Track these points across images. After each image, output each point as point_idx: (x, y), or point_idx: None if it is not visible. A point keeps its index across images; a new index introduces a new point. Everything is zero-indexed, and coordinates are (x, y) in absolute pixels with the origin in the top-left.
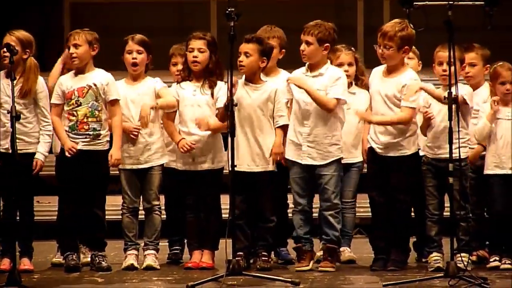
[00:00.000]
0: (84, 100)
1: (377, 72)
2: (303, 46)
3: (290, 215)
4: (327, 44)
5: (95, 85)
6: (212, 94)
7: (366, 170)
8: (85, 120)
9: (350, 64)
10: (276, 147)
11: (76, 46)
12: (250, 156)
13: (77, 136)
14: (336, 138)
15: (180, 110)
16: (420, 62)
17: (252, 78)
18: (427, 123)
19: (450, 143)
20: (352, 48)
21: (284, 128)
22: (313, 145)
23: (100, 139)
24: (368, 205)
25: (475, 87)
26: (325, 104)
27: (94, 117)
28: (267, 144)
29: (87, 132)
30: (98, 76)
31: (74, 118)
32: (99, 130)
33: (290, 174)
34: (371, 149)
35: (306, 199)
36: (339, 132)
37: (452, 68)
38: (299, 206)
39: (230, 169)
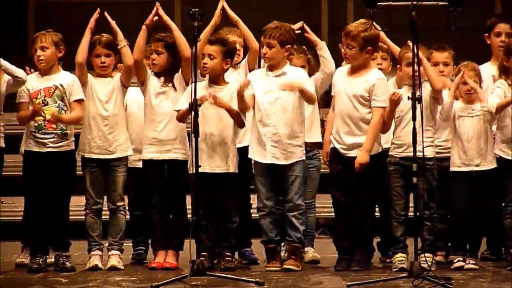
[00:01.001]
0: (51, 99)
1: (341, 72)
2: (265, 49)
3: (253, 215)
4: (289, 46)
5: (61, 85)
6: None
7: (327, 170)
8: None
9: (302, 67)
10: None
11: (43, 48)
12: (212, 157)
13: (45, 136)
14: (300, 140)
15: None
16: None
17: (216, 80)
18: (394, 107)
19: (414, 142)
20: (304, 47)
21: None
22: (277, 145)
23: (67, 138)
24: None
25: (443, 86)
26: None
27: None
28: (229, 145)
29: (55, 131)
30: (64, 77)
31: (41, 118)
32: (66, 129)
33: (255, 176)
34: (334, 149)
35: (272, 201)
36: (303, 134)
37: (417, 68)
38: (266, 209)
39: (193, 169)
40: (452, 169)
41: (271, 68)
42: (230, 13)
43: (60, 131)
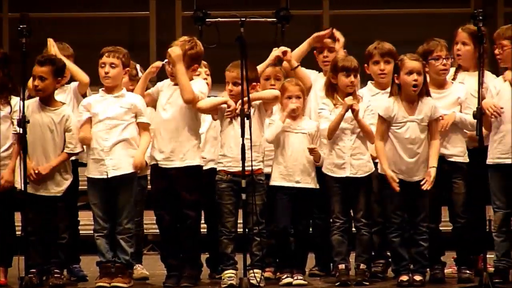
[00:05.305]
0: None
1: (167, 83)
2: (107, 68)
3: (81, 232)
4: (128, 69)
5: None
6: (11, 110)
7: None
8: None
9: None
10: (43, 168)
11: None
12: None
13: None
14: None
15: None
16: None
17: (47, 100)
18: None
19: (243, 158)
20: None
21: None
22: (114, 159)
23: None
24: None
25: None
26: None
27: None
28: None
29: None
30: None
31: None
32: None
33: (90, 199)
34: (155, 166)
35: (110, 222)
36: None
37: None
38: (104, 231)
39: (22, 186)
40: (272, 183)
41: (109, 90)
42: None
43: None
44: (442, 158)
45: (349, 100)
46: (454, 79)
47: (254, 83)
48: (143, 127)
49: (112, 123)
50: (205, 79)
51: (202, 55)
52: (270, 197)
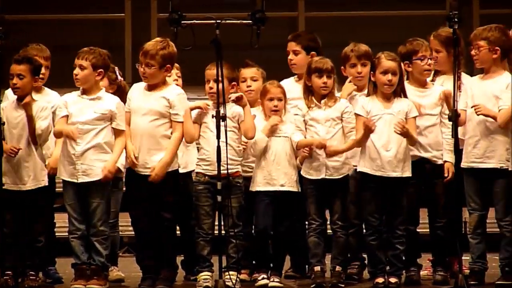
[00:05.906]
0: None
1: (138, 88)
2: (76, 71)
3: (57, 234)
4: (101, 70)
5: None
6: None
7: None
8: None
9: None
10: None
11: None
12: (20, 174)
13: None
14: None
15: None
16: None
17: (23, 98)
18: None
19: (219, 161)
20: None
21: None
22: (85, 164)
23: None
24: None
25: (252, 103)
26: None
27: None
28: (36, 162)
29: None
30: None
31: None
32: None
33: (65, 200)
34: (131, 169)
35: (84, 224)
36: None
37: (220, 85)
38: (79, 232)
39: None
40: (256, 188)
41: (85, 91)
42: None
43: None
44: (424, 159)
45: (318, 145)
46: (432, 81)
47: (234, 83)
48: (118, 132)
49: (84, 128)
50: (176, 80)
51: (175, 56)
52: (251, 200)
